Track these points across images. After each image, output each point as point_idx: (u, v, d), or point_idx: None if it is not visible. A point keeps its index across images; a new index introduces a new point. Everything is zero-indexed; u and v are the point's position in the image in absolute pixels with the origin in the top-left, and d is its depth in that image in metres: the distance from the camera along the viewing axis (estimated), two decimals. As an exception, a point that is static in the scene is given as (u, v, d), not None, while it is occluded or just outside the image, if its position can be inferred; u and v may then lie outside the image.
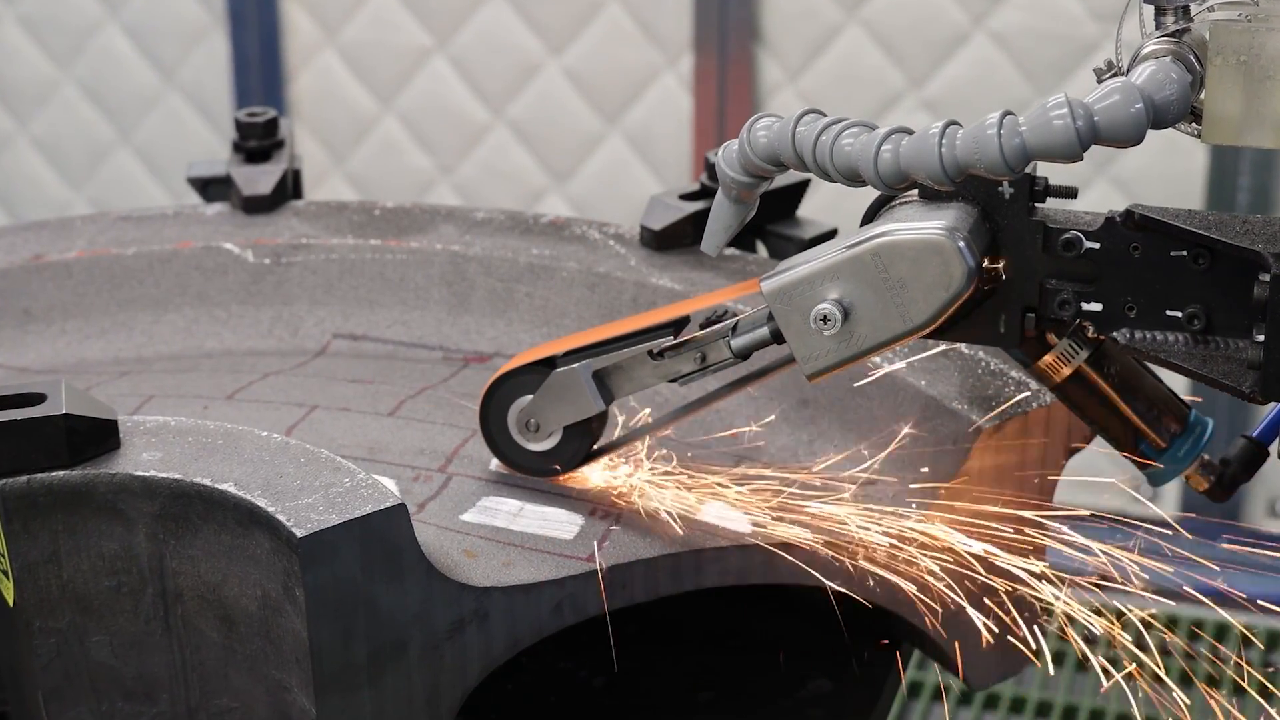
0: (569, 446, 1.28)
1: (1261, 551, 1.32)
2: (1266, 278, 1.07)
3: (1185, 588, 1.29)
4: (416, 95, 3.33)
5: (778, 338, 1.19)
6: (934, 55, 3.00)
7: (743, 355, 1.22)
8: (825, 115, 1.15)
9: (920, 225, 1.13)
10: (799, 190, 1.63)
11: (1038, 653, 1.31)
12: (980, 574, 1.26)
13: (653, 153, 3.22)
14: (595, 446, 1.30)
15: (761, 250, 1.64)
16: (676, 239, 1.57)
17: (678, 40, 3.15)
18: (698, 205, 1.58)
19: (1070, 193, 1.19)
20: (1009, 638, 1.29)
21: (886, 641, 1.36)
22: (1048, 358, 1.23)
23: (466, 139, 3.33)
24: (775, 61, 3.10)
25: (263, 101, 3.31)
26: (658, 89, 3.19)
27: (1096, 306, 1.17)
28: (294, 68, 3.39)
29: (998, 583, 1.27)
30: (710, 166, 1.61)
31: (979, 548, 1.26)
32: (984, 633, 1.27)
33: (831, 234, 1.61)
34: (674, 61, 3.16)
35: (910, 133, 1.10)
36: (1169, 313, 1.15)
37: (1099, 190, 2.93)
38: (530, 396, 1.27)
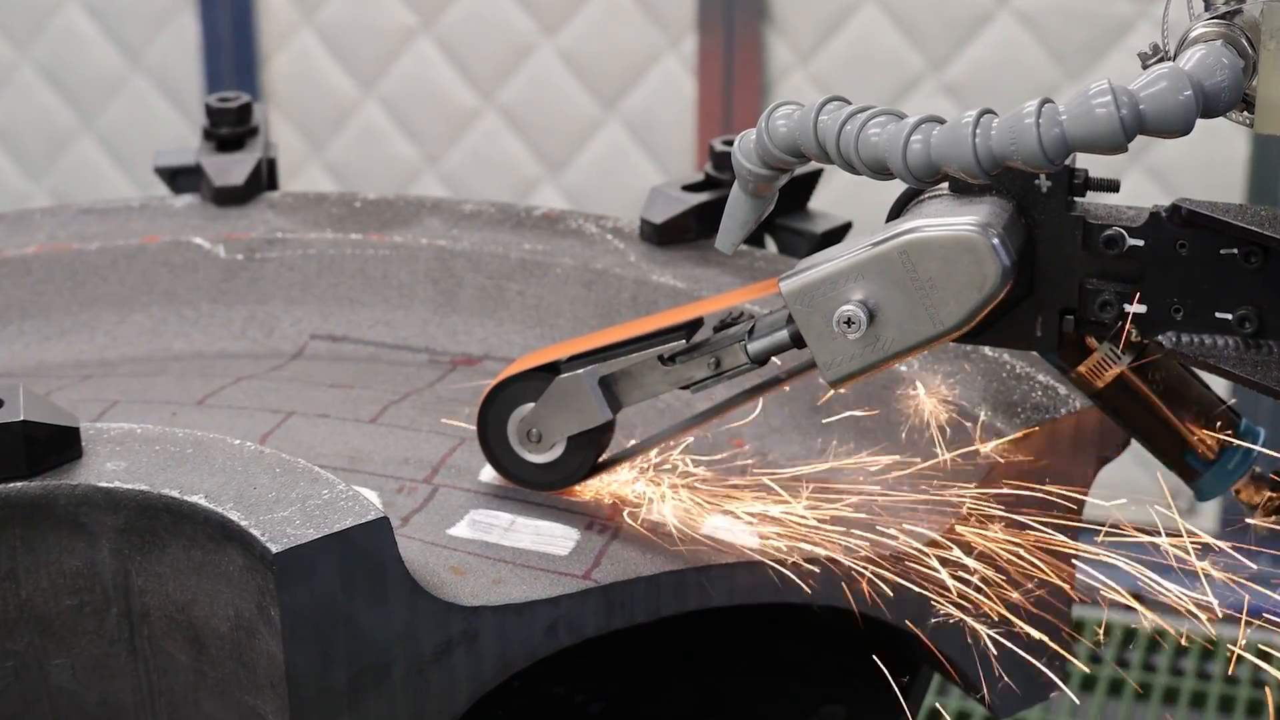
0: (573, 458, 1.28)
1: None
2: None
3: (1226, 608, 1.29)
4: (400, 79, 3.33)
5: (798, 341, 1.19)
6: (955, 36, 3.01)
7: (760, 360, 1.22)
8: (849, 103, 1.15)
9: (951, 221, 1.13)
10: (810, 181, 1.63)
11: (1066, 677, 1.31)
12: (1005, 592, 1.26)
13: (653, 141, 3.22)
14: (601, 458, 1.30)
15: (770, 245, 1.64)
16: (679, 233, 1.57)
17: (680, 19, 3.15)
18: (701, 197, 1.58)
19: (1112, 186, 1.19)
20: (1036, 661, 1.29)
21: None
22: (1087, 363, 1.23)
23: (454, 126, 3.33)
24: (785, 42, 3.10)
25: (235, 85, 3.31)
26: (659, 72, 3.19)
27: (1140, 308, 1.17)
28: (269, 49, 3.39)
29: (1023, 601, 1.27)
30: (715, 155, 1.61)
31: (1002, 564, 1.26)
32: (1009, 656, 1.27)
33: (846, 228, 1.61)
34: (676, 42, 3.17)
35: (941, 122, 1.10)
36: (1218, 315, 1.14)
37: (1133, 180, 2.93)
38: (532, 404, 1.27)
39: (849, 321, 1.15)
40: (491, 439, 1.29)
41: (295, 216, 1.65)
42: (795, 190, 1.62)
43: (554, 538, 1.24)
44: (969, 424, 1.33)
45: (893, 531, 1.26)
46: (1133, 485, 1.31)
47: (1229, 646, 1.28)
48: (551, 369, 1.27)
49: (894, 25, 3.03)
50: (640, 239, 1.58)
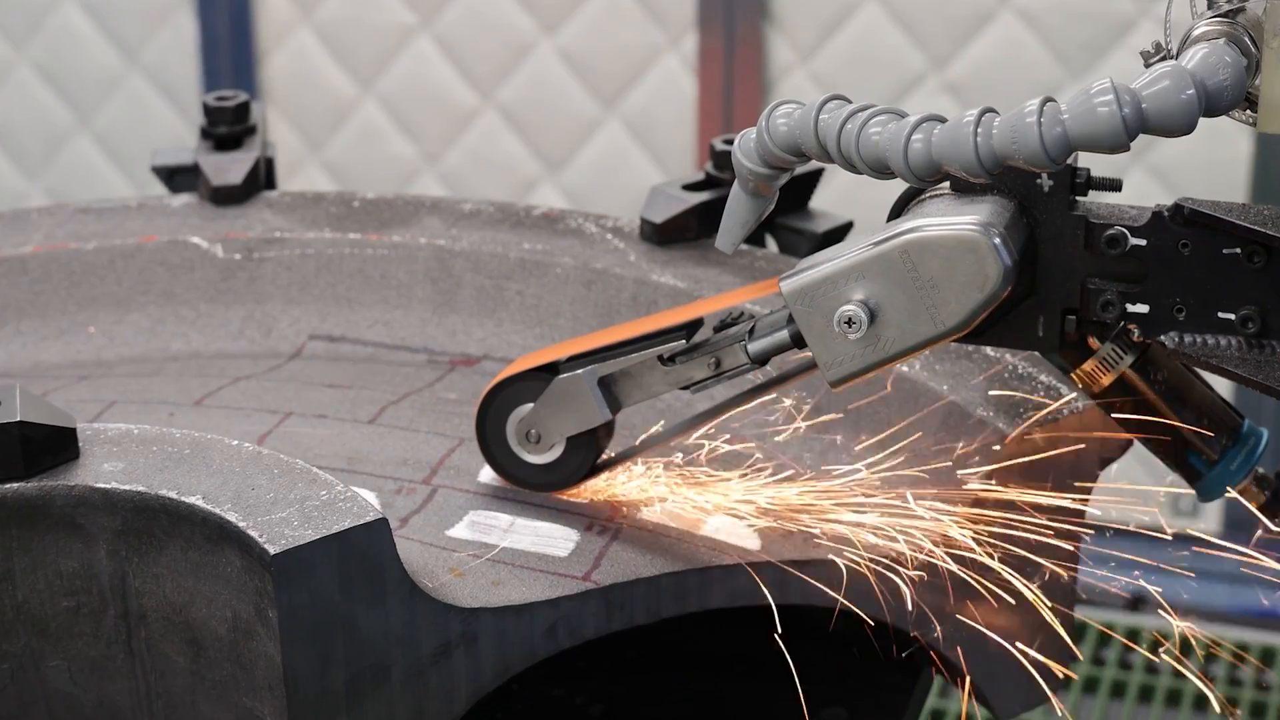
0: (573, 459, 1.28)
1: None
2: None
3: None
4: (399, 77, 3.33)
5: (798, 341, 1.19)
6: (957, 34, 3.01)
7: (760, 360, 1.22)
8: (850, 101, 1.15)
9: (953, 220, 1.13)
10: (811, 180, 1.63)
11: (1069, 679, 1.31)
12: (1007, 593, 1.26)
13: (653, 140, 3.22)
14: (601, 459, 1.29)
15: (771, 245, 1.64)
16: (679, 232, 1.57)
17: (681, 18, 3.15)
18: (702, 196, 1.58)
19: (1114, 185, 1.19)
20: (1038, 662, 1.29)
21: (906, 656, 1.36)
22: (1089, 364, 1.23)
23: (453, 125, 3.33)
24: (786, 41, 3.10)
25: (233, 84, 3.31)
26: (659, 70, 3.19)
27: (1142, 308, 1.17)
28: (266, 48, 3.39)
29: (1025, 602, 1.27)
30: (716, 154, 1.61)
31: (1004, 565, 1.26)
32: (1010, 657, 1.27)
33: (847, 227, 1.61)
34: (676, 41, 3.17)
35: (943, 121, 1.10)
36: (1221, 315, 1.14)
37: (1135, 179, 2.93)
38: (531, 405, 1.27)
39: (850, 321, 1.14)
40: (490, 440, 1.29)
41: (293, 216, 1.64)
42: (796, 189, 1.62)
43: (554, 539, 1.24)
44: (971, 425, 1.33)
45: (893, 533, 1.26)
46: (1135, 486, 1.31)
47: (1231, 647, 1.28)
48: (551, 369, 1.27)
49: (895, 24, 3.03)
50: (640, 239, 1.58)
